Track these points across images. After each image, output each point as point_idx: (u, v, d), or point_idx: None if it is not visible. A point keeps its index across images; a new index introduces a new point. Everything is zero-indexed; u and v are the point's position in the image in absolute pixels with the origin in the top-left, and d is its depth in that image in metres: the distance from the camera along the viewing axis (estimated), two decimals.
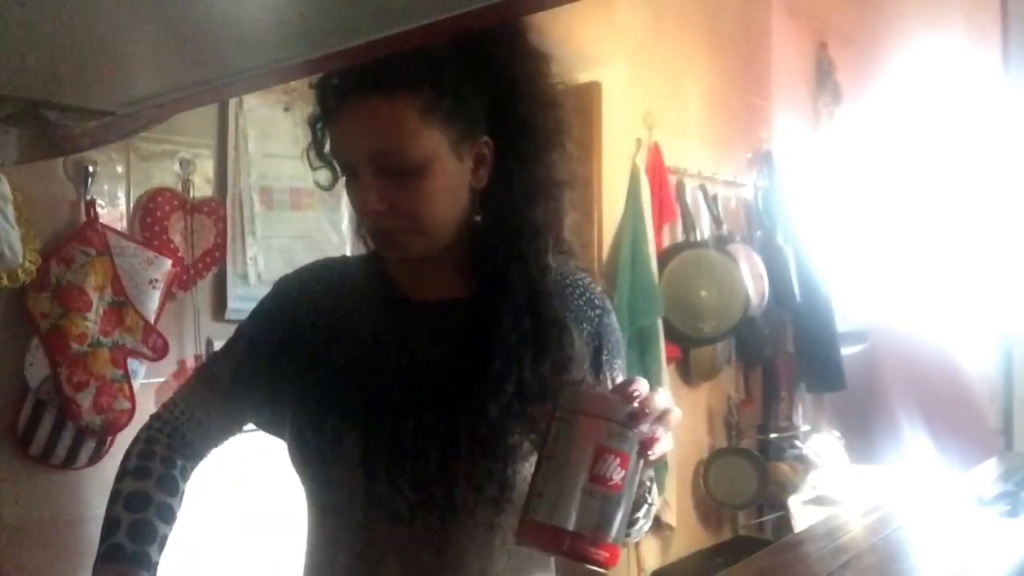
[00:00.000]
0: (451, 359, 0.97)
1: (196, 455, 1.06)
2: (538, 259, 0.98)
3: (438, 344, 0.98)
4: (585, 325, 1.02)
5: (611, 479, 0.73)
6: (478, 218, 0.97)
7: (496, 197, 0.97)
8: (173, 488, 1.00)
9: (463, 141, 0.93)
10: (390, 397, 0.96)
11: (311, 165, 1.01)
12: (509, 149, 0.97)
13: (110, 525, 0.95)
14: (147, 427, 1.06)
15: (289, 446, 1.00)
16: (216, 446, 1.08)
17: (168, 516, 0.99)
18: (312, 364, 0.99)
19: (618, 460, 0.73)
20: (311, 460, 0.97)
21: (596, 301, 1.04)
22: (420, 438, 0.94)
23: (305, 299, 1.03)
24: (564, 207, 1.01)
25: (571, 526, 0.72)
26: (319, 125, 0.97)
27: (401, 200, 0.91)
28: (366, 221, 0.96)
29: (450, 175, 0.93)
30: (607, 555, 0.74)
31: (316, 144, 0.98)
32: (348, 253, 1.86)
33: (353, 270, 1.06)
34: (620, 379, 1.03)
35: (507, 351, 0.94)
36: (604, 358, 1.03)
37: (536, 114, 0.97)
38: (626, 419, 0.74)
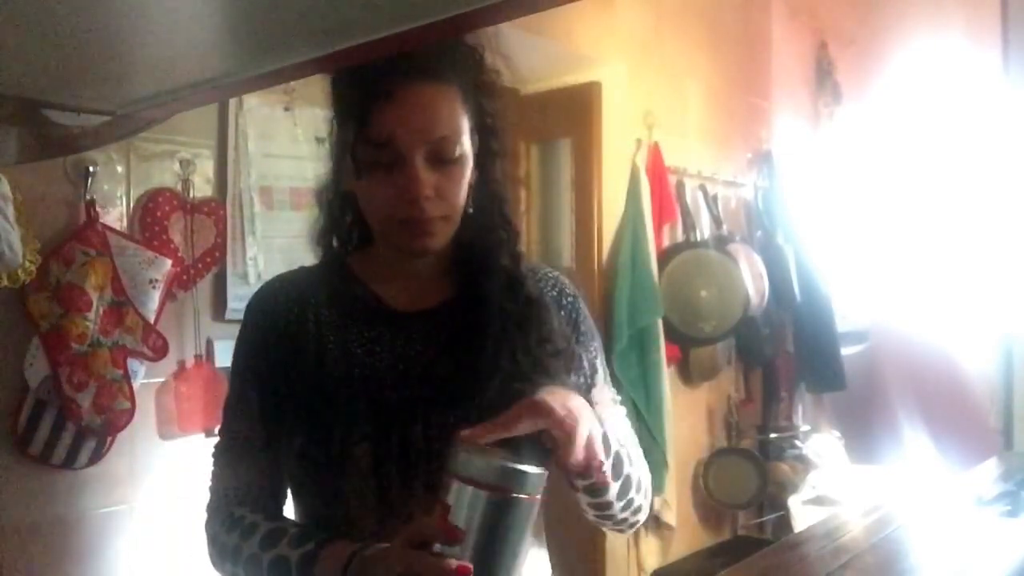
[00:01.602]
0: (447, 358, 0.99)
1: (280, 513, 1.03)
2: (512, 248, 1.03)
3: (430, 348, 0.99)
4: (561, 313, 1.06)
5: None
6: (471, 210, 1.00)
7: (477, 191, 1.01)
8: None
9: (471, 134, 0.97)
10: (395, 404, 0.96)
11: (336, 154, 0.99)
12: (485, 146, 1.01)
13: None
14: (214, 522, 1.00)
15: (290, 465, 0.99)
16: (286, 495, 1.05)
17: None
18: (307, 382, 0.97)
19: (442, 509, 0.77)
20: (319, 476, 0.96)
21: (568, 291, 1.09)
22: (431, 439, 0.95)
23: (283, 319, 1.00)
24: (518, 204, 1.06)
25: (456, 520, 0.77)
26: (360, 110, 0.93)
27: (444, 188, 0.93)
28: (400, 211, 0.93)
29: (471, 166, 0.98)
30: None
31: (356, 126, 0.94)
32: None
33: (320, 283, 1.03)
34: (599, 360, 1.08)
35: (496, 332, 0.98)
36: (581, 340, 1.06)
37: (502, 113, 1.02)
38: (502, 483, 0.76)
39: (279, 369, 0.99)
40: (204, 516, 1.02)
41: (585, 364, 1.05)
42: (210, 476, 1.04)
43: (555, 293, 1.07)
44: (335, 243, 1.06)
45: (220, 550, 0.97)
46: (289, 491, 1.04)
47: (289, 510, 1.05)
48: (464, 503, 0.76)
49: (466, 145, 0.96)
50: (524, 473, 0.77)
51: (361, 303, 1.01)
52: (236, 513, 0.98)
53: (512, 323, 0.99)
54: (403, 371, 0.98)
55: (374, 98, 0.92)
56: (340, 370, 0.97)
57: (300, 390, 0.97)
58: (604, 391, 1.07)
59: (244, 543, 0.94)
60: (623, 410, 1.10)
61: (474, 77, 0.97)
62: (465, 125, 0.95)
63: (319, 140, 1.04)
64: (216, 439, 1.05)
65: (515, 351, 0.97)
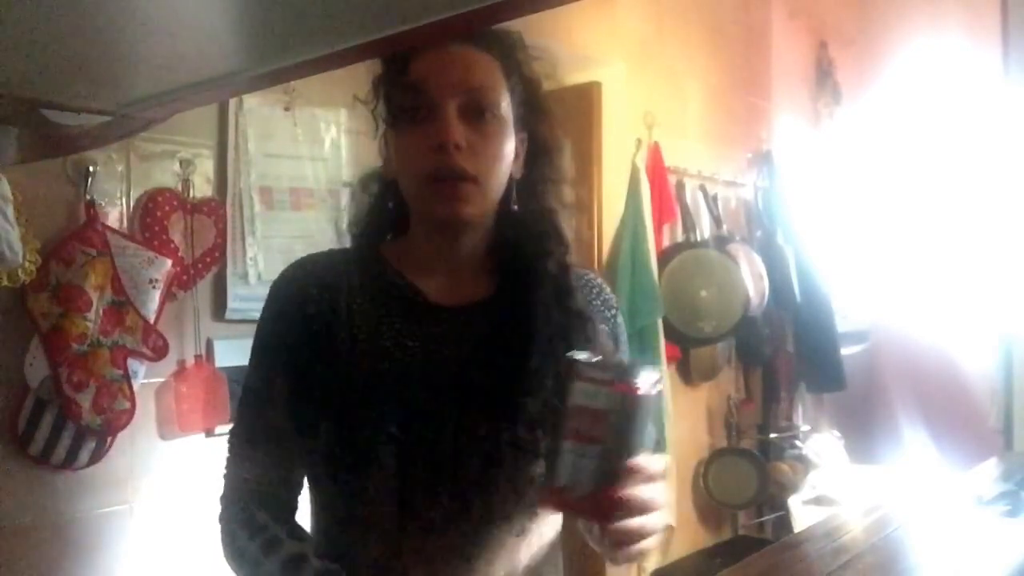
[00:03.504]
0: (481, 361, 0.94)
1: (295, 508, 1.00)
2: (561, 256, 1.00)
3: (466, 347, 0.95)
4: (603, 326, 1.02)
5: (591, 437, 0.76)
6: (515, 207, 0.98)
7: (526, 191, 0.99)
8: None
9: (515, 126, 0.96)
10: (426, 406, 0.92)
11: (373, 99, 0.98)
12: (536, 147, 1.00)
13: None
14: (230, 516, 0.96)
15: (312, 458, 0.95)
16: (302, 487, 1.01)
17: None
18: (335, 373, 0.93)
19: (599, 420, 0.76)
20: (342, 473, 0.92)
21: (611, 301, 1.06)
22: (461, 446, 0.91)
23: (314, 305, 0.95)
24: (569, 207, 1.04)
25: (560, 482, 0.77)
26: (397, 61, 0.94)
27: (477, 144, 0.91)
28: (430, 162, 0.90)
29: (511, 144, 0.95)
30: (593, 505, 0.77)
31: (393, 74, 0.94)
32: None
33: (353, 268, 0.99)
34: None
35: (542, 346, 0.93)
36: (619, 353, 1.04)
37: (553, 115, 1.01)
38: (600, 377, 0.78)
39: (309, 356, 0.94)
40: (219, 506, 0.98)
41: None
42: (226, 462, 0.99)
43: (599, 303, 1.04)
44: (370, 228, 1.03)
45: (238, 554, 0.93)
46: (306, 481, 1.00)
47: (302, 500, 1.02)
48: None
49: (505, 113, 0.94)
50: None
51: (395, 292, 0.97)
52: (258, 518, 0.94)
53: (559, 337, 0.94)
54: (434, 370, 0.93)
55: (409, 55, 0.92)
56: (369, 364, 0.92)
57: (328, 381, 0.93)
58: None
59: (265, 558, 0.90)
60: None
61: (517, 61, 0.97)
62: (504, 95, 0.94)
63: (357, 99, 1.02)
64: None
65: (559, 367, 0.91)
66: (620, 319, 1.07)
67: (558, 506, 0.81)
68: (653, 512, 0.79)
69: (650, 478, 0.78)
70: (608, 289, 1.08)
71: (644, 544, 0.79)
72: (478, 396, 0.93)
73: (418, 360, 0.93)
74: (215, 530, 0.97)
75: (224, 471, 0.99)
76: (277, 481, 0.97)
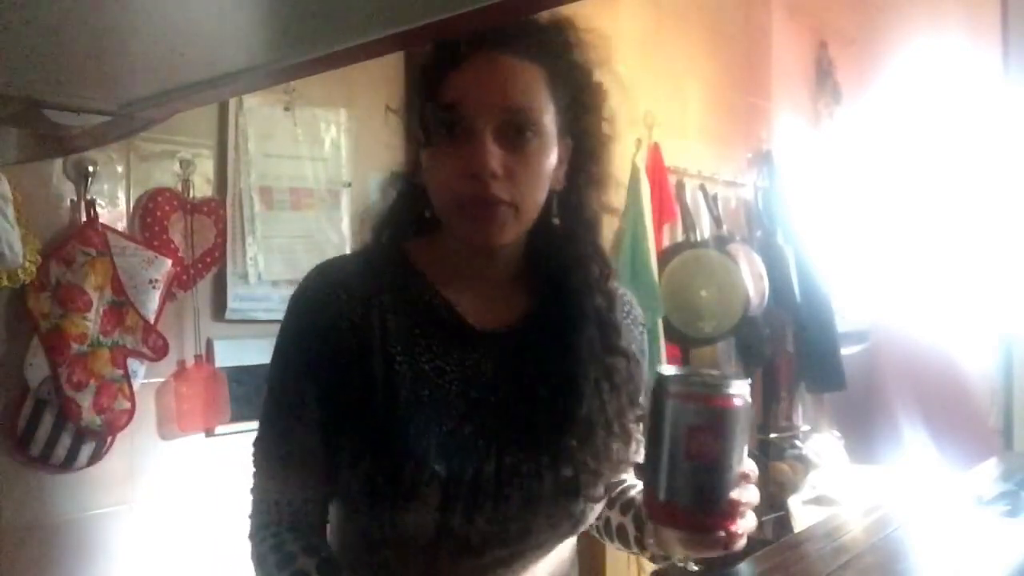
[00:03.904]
0: (524, 394, 0.91)
1: (325, 525, 0.96)
2: (605, 283, 0.95)
3: (504, 374, 0.91)
4: (633, 346, 1.00)
5: (697, 452, 0.78)
6: (556, 220, 0.92)
7: (568, 202, 0.93)
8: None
9: (559, 132, 0.90)
10: (467, 439, 0.88)
11: (406, 116, 0.93)
12: (582, 150, 0.94)
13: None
14: (260, 539, 0.91)
15: (350, 486, 0.89)
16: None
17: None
18: (373, 397, 0.87)
19: (702, 435, 0.78)
20: (382, 505, 0.87)
21: (639, 318, 1.04)
22: (502, 481, 0.88)
23: (346, 320, 0.89)
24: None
25: (682, 501, 0.80)
26: (433, 73, 0.87)
27: (515, 171, 0.85)
28: (462, 187, 0.85)
29: (552, 159, 0.89)
30: (717, 522, 0.80)
31: (427, 89, 0.88)
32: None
33: (384, 280, 0.92)
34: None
35: (592, 392, 0.90)
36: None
37: (601, 110, 0.96)
38: (696, 392, 0.79)
39: (344, 374, 0.88)
40: (248, 526, 0.93)
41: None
42: (253, 479, 0.94)
43: (629, 321, 1.00)
44: (394, 229, 0.97)
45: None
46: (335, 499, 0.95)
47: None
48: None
49: (547, 128, 0.87)
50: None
51: (431, 311, 0.91)
52: (288, 547, 0.89)
53: (605, 380, 0.92)
54: (475, 399, 0.90)
55: (448, 62, 0.86)
56: (408, 389, 0.87)
57: (366, 403, 0.87)
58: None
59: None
60: None
61: (565, 62, 0.90)
62: (548, 107, 0.87)
63: (390, 109, 0.97)
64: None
65: (606, 410, 0.90)
66: (646, 336, 1.04)
67: (672, 523, 0.82)
68: (751, 515, 0.84)
69: (753, 482, 0.83)
70: (637, 306, 1.04)
71: (739, 544, 0.83)
72: (520, 431, 0.90)
73: (455, 387, 0.89)
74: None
75: (252, 486, 0.94)
76: (308, 502, 0.92)
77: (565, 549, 1.00)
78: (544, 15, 0.91)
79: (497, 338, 0.92)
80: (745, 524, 0.83)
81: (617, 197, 1.02)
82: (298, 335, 0.91)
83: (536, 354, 0.92)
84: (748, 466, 0.82)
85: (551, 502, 0.90)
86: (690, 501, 0.79)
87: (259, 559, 0.91)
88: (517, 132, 0.85)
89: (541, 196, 0.89)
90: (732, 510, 0.79)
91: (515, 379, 0.91)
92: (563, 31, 0.92)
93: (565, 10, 0.94)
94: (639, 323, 1.03)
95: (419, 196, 0.94)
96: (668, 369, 0.82)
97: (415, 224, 0.97)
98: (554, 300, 0.93)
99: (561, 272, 0.93)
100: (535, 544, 0.93)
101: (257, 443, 0.94)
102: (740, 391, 0.79)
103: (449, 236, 0.92)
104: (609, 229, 0.95)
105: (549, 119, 0.87)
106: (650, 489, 0.82)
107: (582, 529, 0.96)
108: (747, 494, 0.81)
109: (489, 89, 0.85)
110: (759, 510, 0.85)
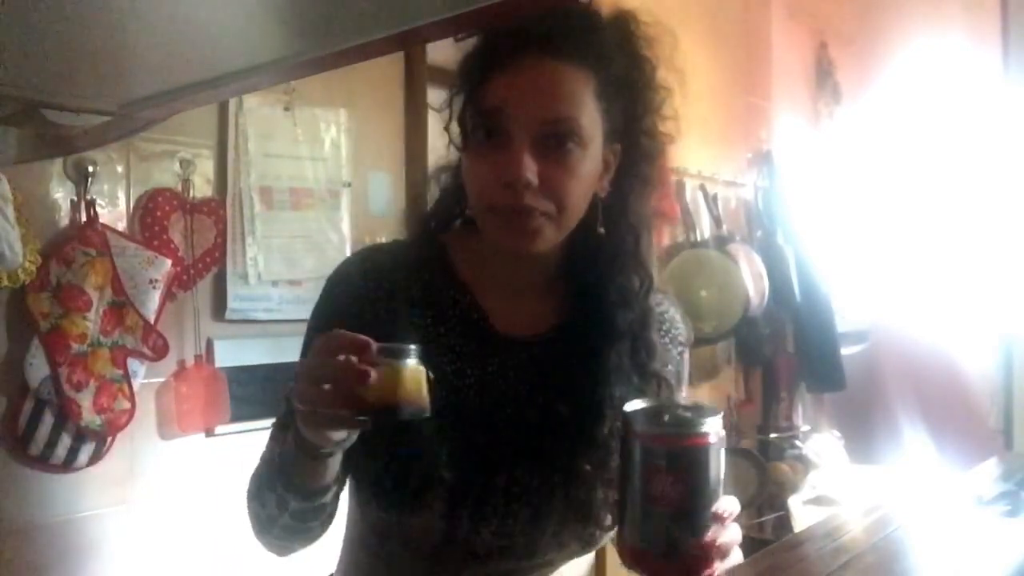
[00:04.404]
0: (543, 408, 0.88)
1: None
2: (644, 297, 0.91)
3: (524, 385, 0.89)
4: (670, 366, 0.96)
5: (666, 496, 0.73)
6: (601, 230, 0.89)
7: (613, 210, 0.89)
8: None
9: (606, 138, 0.87)
10: (480, 448, 0.87)
11: (449, 118, 0.89)
12: (632, 155, 0.90)
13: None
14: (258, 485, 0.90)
15: (358, 479, 0.89)
16: None
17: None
18: None
19: (670, 477, 0.73)
20: (388, 504, 0.87)
21: (681, 336, 0.99)
22: (511, 496, 0.87)
23: (370, 311, 0.88)
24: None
25: (654, 549, 0.75)
26: (475, 76, 0.85)
27: (553, 180, 0.82)
28: (496, 195, 0.83)
29: (595, 167, 0.86)
30: (681, 562, 0.75)
31: (468, 91, 0.86)
32: (348, 254, 1.84)
33: (416, 274, 0.91)
34: None
35: (614, 415, 0.86)
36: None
37: (656, 113, 0.93)
38: (666, 432, 0.74)
39: None
40: (247, 486, 0.92)
41: None
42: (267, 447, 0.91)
43: (667, 339, 0.96)
44: (435, 222, 0.95)
45: (260, 506, 0.89)
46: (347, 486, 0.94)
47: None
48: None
49: (592, 137, 0.83)
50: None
51: (459, 313, 0.90)
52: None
53: (626, 394, 0.87)
54: (492, 408, 0.88)
55: (490, 66, 0.83)
56: None
57: None
58: None
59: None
60: None
61: (619, 65, 0.86)
62: (595, 115, 0.84)
63: (433, 109, 0.95)
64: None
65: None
66: (686, 355, 1.00)
67: (647, 570, 0.77)
68: (734, 553, 0.78)
69: (730, 522, 0.77)
70: (681, 322, 0.99)
71: None
72: (535, 446, 0.87)
73: (473, 392, 0.88)
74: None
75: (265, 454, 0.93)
76: None
77: (581, 564, 0.98)
78: (604, 8, 0.87)
79: (523, 346, 0.90)
80: (725, 564, 0.78)
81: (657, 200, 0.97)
82: (325, 317, 0.90)
83: (561, 368, 0.89)
84: (724, 505, 0.76)
85: (560, 522, 0.88)
86: (662, 550, 0.75)
87: (248, 497, 0.90)
88: (558, 142, 0.82)
89: (582, 204, 0.86)
90: (706, 553, 0.74)
91: (536, 392, 0.89)
92: (622, 28, 0.89)
93: (628, 2, 0.90)
94: (679, 342, 0.98)
95: (462, 193, 0.92)
96: (634, 404, 0.76)
97: (457, 219, 0.96)
98: (587, 312, 0.90)
99: (598, 282, 0.90)
100: (544, 561, 0.91)
101: (277, 415, 0.93)
102: (712, 427, 0.74)
103: (485, 238, 0.90)
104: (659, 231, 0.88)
105: (595, 127, 0.84)
106: (621, 532, 0.77)
107: (593, 550, 0.94)
108: (726, 534, 0.76)
109: (532, 98, 0.82)
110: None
